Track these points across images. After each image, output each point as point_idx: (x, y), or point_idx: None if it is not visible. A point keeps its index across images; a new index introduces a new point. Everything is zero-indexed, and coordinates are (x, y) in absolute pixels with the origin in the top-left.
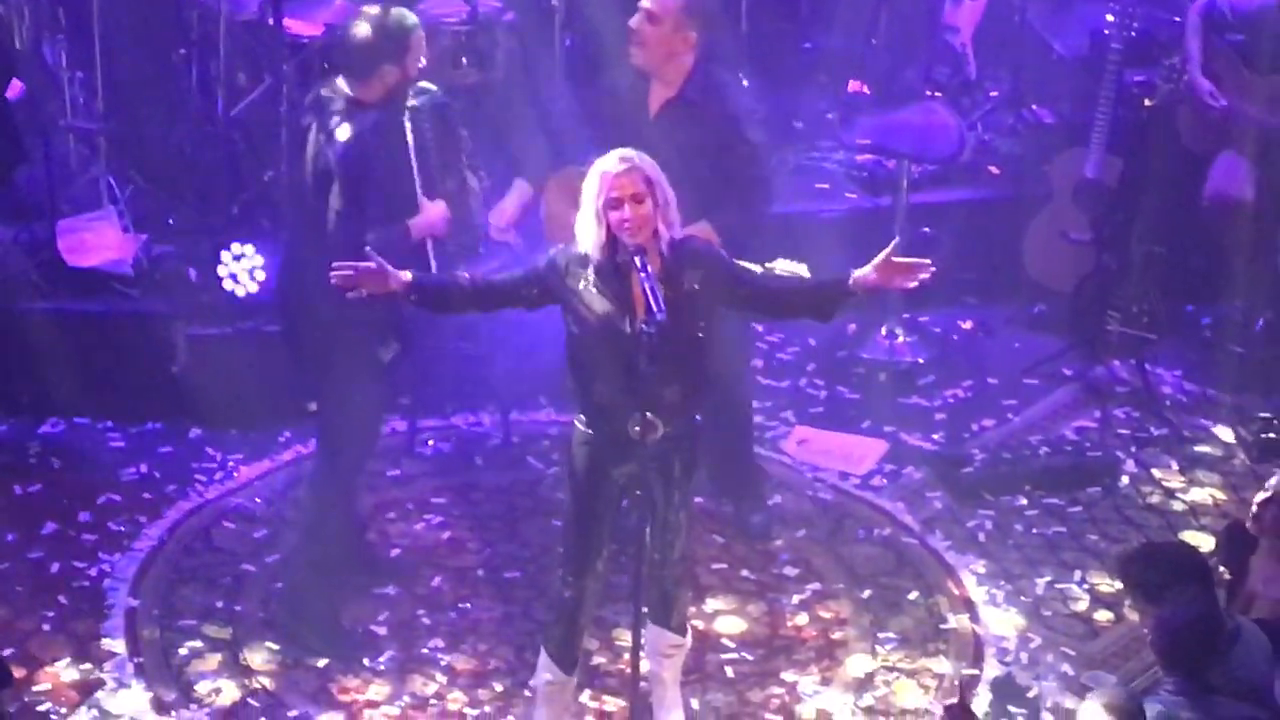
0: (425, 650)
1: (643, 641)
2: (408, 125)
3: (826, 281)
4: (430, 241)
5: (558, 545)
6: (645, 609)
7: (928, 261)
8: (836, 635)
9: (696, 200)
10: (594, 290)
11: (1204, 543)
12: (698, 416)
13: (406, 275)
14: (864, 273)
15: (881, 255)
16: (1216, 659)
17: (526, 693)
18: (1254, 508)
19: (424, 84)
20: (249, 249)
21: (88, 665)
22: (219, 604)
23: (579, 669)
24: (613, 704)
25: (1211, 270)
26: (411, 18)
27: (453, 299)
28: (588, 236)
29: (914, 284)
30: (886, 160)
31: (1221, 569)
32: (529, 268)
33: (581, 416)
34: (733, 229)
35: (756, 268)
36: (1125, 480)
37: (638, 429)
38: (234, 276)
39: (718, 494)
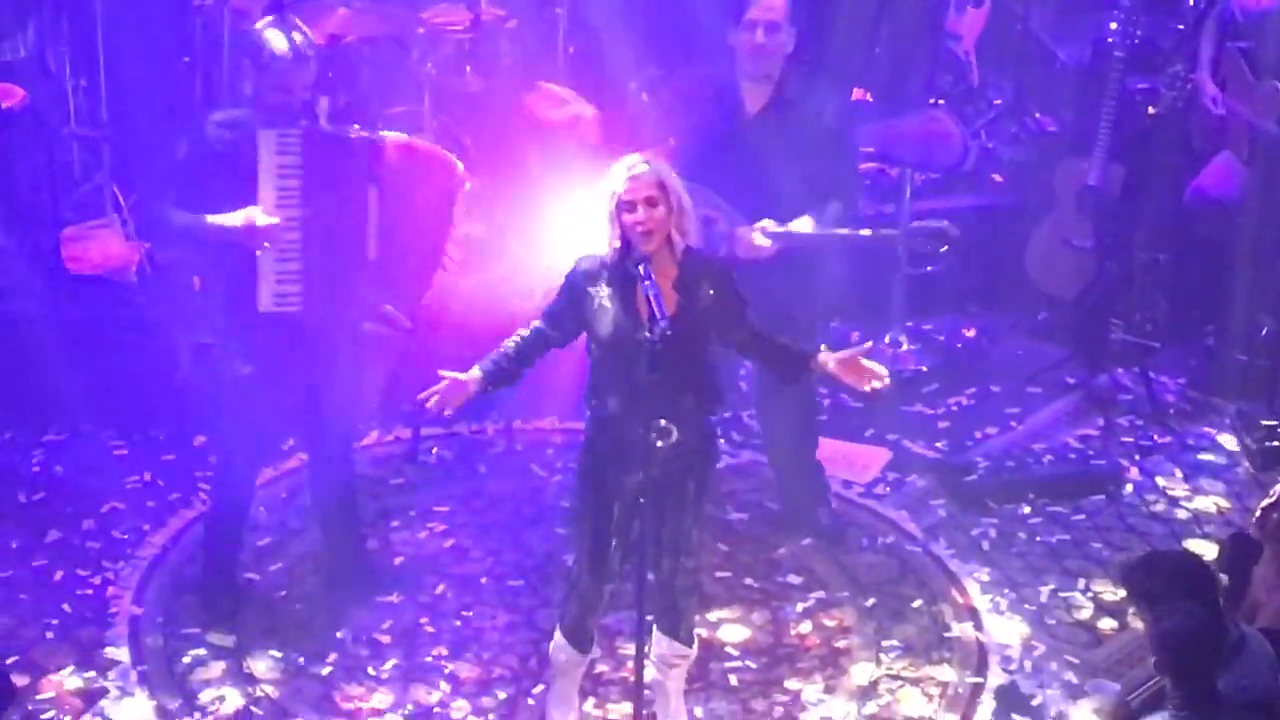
0: (429, 658)
1: (647, 649)
2: (265, 137)
3: (797, 351)
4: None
5: (567, 548)
6: (652, 618)
7: (885, 372)
8: (840, 643)
9: (796, 196)
10: (606, 301)
11: (1207, 551)
12: (715, 435)
13: (476, 373)
14: (828, 358)
15: (850, 351)
16: (1220, 669)
17: (530, 701)
18: (1258, 512)
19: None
20: None
21: (91, 673)
22: None
23: (595, 644)
24: (616, 712)
25: (1214, 278)
26: (275, 40)
27: (513, 371)
28: (602, 241)
29: (866, 389)
30: (889, 168)
31: (1224, 577)
32: (552, 307)
33: (592, 421)
34: (836, 223)
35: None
36: (1129, 488)
37: (654, 436)
38: None
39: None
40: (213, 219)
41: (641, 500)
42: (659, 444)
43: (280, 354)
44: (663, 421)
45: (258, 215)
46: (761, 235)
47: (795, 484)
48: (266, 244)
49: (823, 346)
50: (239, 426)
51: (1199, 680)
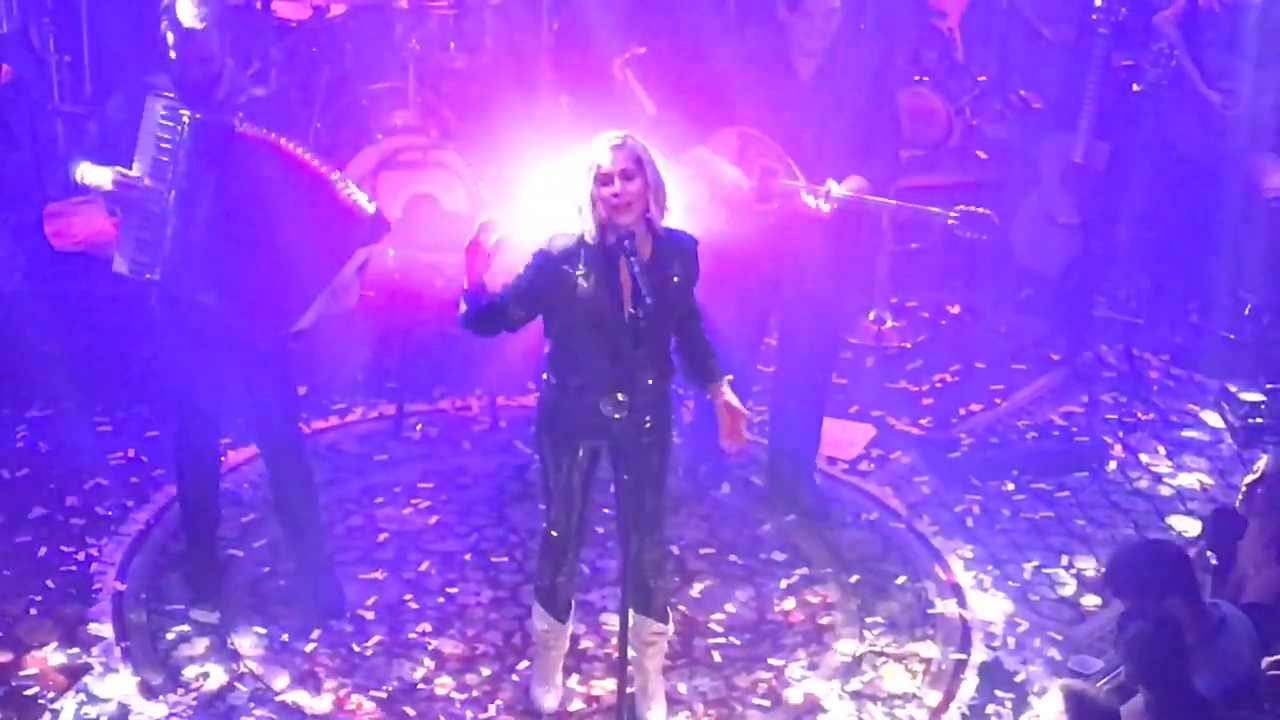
0: (412, 635)
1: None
2: (151, 104)
3: (709, 367)
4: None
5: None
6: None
7: (742, 443)
8: (824, 620)
9: (845, 158)
10: (584, 279)
11: (1191, 528)
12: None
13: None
14: (724, 392)
15: (738, 407)
16: (1199, 657)
17: (514, 677)
18: (1243, 489)
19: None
20: None
21: (75, 649)
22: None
23: (572, 616)
24: (600, 688)
25: (1199, 255)
26: (180, 10)
27: (494, 317)
28: (577, 215)
29: (723, 442)
30: None
31: (1209, 554)
32: (516, 287)
33: (554, 385)
34: (883, 183)
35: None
36: (1112, 465)
37: (610, 408)
38: None
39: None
40: (87, 168)
41: (598, 464)
42: (615, 415)
43: (179, 331)
44: (620, 395)
45: (112, 175)
46: (825, 198)
47: (783, 459)
48: (131, 200)
49: (726, 380)
50: (179, 400)
51: (1171, 681)
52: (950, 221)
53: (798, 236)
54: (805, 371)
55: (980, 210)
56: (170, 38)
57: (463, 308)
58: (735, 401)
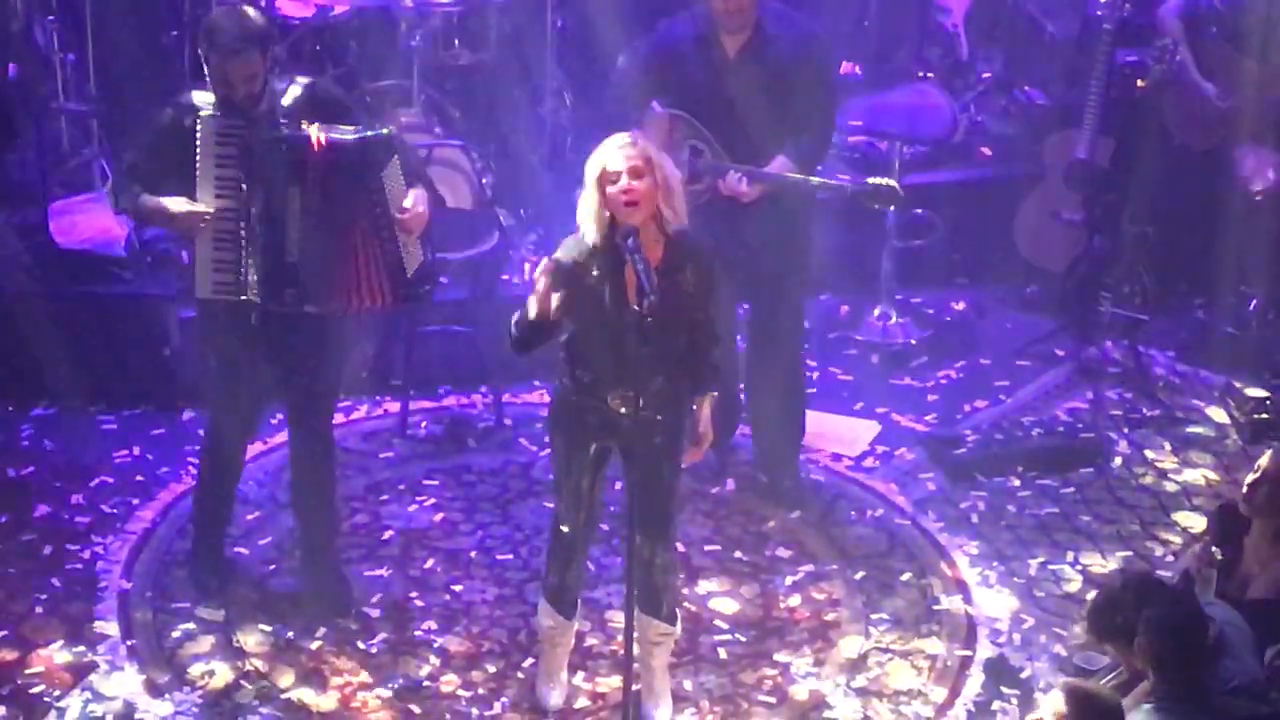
0: (418, 632)
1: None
2: (205, 124)
3: (699, 376)
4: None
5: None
6: (636, 593)
7: (699, 457)
8: (829, 616)
9: (774, 134)
10: (596, 279)
11: (1196, 524)
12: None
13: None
14: (705, 406)
15: (707, 428)
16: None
17: (520, 675)
18: (1245, 488)
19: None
20: None
21: (81, 648)
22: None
23: (578, 613)
24: (605, 685)
25: (1204, 250)
26: (217, 28)
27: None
28: (588, 218)
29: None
30: (878, 141)
31: (1215, 550)
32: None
33: (568, 384)
34: (812, 158)
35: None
36: (1118, 461)
37: (619, 403)
38: None
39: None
40: (150, 199)
41: (608, 463)
42: (623, 411)
43: (238, 342)
44: (630, 393)
45: (181, 203)
46: (745, 178)
47: (765, 445)
48: (201, 228)
49: (710, 397)
50: (222, 403)
51: (1183, 671)
52: (853, 193)
53: (745, 217)
54: (777, 356)
55: (885, 182)
56: (213, 59)
57: (515, 333)
58: (707, 423)
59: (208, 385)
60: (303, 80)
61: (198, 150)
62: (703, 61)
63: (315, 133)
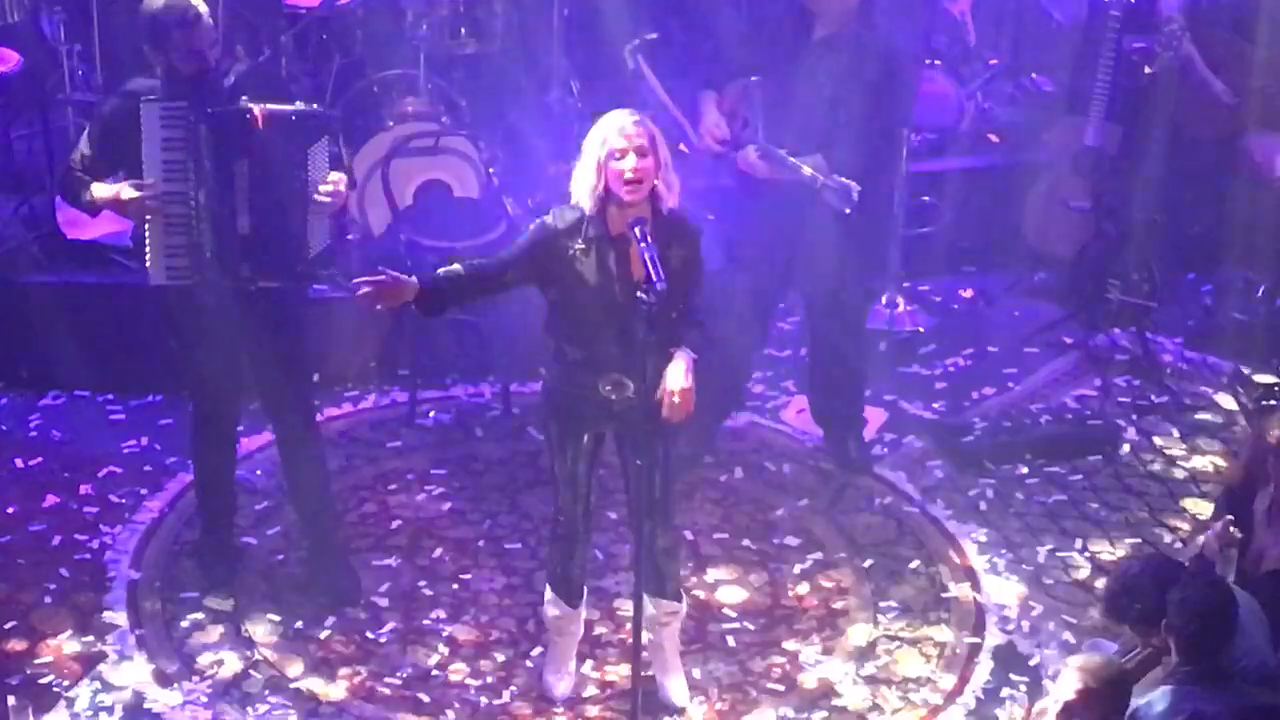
0: (427, 622)
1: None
2: (149, 110)
3: (683, 334)
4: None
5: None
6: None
7: (680, 412)
8: (838, 604)
9: (844, 126)
10: (587, 259)
11: (1205, 510)
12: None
13: (413, 279)
14: (678, 358)
15: (685, 381)
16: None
17: (528, 663)
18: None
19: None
20: None
21: (90, 638)
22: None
23: (585, 602)
24: (614, 674)
25: (1212, 237)
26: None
27: (449, 297)
28: (584, 190)
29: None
30: None
31: (1234, 530)
32: (512, 252)
33: (555, 369)
34: (877, 155)
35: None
36: (1126, 448)
37: (609, 389)
38: None
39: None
40: (97, 187)
41: (603, 448)
42: (613, 397)
43: (198, 316)
44: (618, 376)
45: (126, 188)
46: (754, 153)
47: (836, 402)
48: (149, 217)
49: (686, 353)
50: (196, 389)
51: (1210, 653)
52: (819, 187)
53: (810, 227)
54: (837, 356)
55: (847, 181)
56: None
57: (429, 284)
58: (681, 378)
59: (179, 372)
60: (244, 60)
61: (143, 137)
62: (789, 37)
63: (257, 107)
